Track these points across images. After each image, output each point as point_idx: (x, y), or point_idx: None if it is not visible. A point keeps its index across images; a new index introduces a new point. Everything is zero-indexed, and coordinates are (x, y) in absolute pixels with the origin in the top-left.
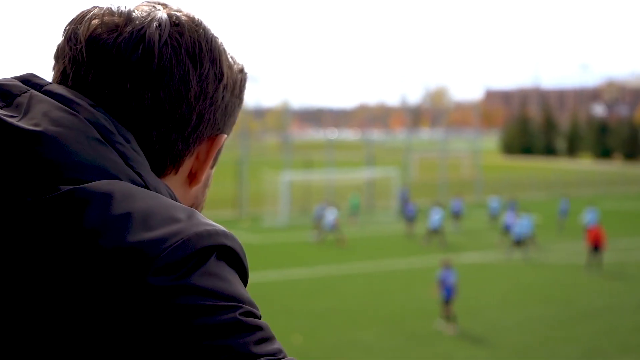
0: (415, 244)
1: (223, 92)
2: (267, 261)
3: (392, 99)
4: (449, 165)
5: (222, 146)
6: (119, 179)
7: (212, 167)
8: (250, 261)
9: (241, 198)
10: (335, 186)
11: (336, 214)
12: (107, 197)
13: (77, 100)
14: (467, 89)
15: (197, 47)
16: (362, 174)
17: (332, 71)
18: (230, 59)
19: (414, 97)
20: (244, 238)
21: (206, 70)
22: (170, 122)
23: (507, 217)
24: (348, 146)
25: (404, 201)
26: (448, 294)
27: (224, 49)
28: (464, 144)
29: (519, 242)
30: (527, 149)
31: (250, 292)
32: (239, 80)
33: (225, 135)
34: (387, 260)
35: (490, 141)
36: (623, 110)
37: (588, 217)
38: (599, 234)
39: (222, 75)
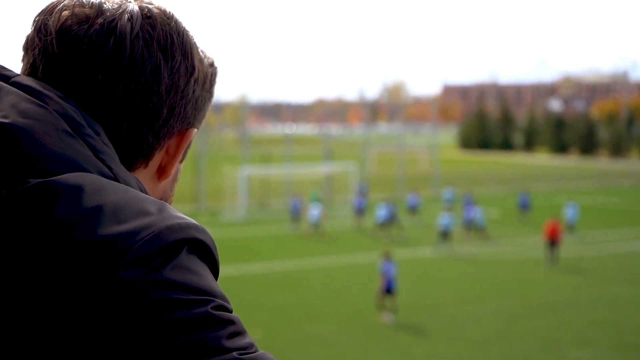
0: (373, 239)
1: (194, 85)
2: (225, 256)
3: (350, 94)
4: (407, 160)
5: (191, 140)
6: (89, 172)
7: (181, 162)
8: None
9: (199, 192)
10: (293, 181)
11: (321, 208)
12: (77, 190)
13: (46, 92)
14: (425, 84)
15: (169, 39)
16: (320, 169)
17: (290, 66)
18: (201, 53)
19: (372, 91)
20: None
21: (178, 64)
22: (141, 115)
23: (467, 212)
24: (306, 141)
25: (363, 196)
26: (389, 285)
27: (195, 42)
28: (421, 139)
29: (445, 235)
30: (484, 144)
31: None
32: (209, 75)
33: (195, 130)
34: (346, 255)
35: (448, 136)
36: (579, 106)
37: (569, 212)
38: (556, 228)
39: (194, 68)
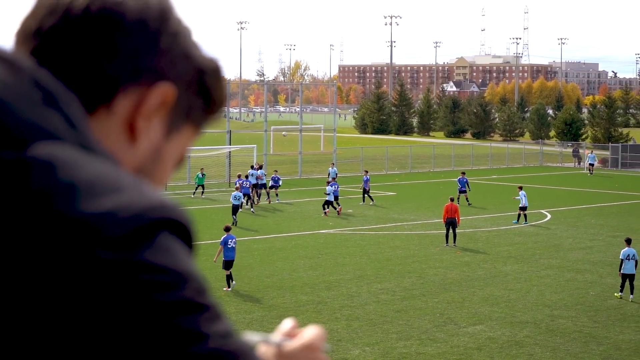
0: (277, 220)
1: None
2: None
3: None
4: (305, 142)
5: (169, 102)
6: (64, 143)
7: (167, 137)
8: None
9: None
10: (192, 161)
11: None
12: (51, 162)
13: (20, 61)
14: (323, 66)
15: None
16: (222, 150)
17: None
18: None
19: (271, 73)
20: None
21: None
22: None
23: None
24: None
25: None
26: (232, 255)
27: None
28: (320, 121)
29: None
30: (381, 128)
31: None
32: (188, 36)
33: (170, 87)
34: (245, 235)
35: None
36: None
37: (523, 200)
38: (454, 209)
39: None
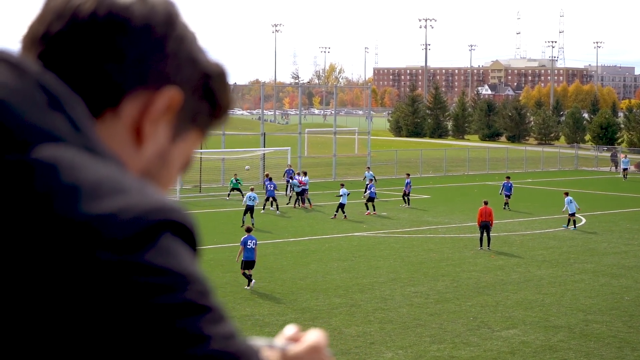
0: (312, 222)
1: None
2: None
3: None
4: (339, 144)
5: (175, 104)
6: (68, 146)
7: (173, 141)
8: None
9: None
10: (227, 164)
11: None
12: (54, 164)
13: (26, 64)
14: (357, 69)
15: None
16: (256, 152)
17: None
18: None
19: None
20: None
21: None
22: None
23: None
24: (242, 124)
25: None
26: (251, 256)
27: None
28: (354, 124)
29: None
30: (416, 130)
31: None
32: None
33: (177, 91)
34: (279, 237)
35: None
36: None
37: (570, 206)
38: (488, 212)
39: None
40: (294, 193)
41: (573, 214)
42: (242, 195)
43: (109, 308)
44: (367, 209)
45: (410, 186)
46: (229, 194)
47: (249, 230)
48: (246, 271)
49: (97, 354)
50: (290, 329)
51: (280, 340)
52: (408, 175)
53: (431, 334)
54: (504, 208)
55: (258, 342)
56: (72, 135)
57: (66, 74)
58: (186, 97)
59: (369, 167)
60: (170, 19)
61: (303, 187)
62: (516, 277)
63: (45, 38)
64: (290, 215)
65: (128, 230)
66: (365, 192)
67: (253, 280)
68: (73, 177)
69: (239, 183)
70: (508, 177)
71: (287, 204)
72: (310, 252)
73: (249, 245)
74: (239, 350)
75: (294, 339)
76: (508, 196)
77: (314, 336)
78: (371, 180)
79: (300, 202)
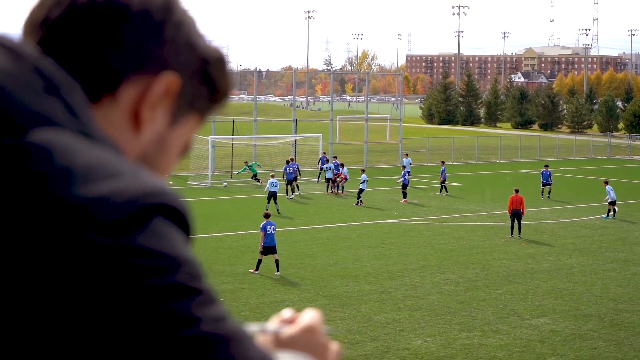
0: (342, 209)
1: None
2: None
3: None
4: (371, 131)
5: (173, 91)
6: (63, 130)
7: (171, 126)
8: None
9: None
10: (258, 150)
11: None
12: (48, 149)
13: (24, 48)
14: (390, 55)
15: None
16: (287, 138)
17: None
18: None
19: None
20: None
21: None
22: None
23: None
24: (274, 110)
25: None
26: (271, 241)
27: None
28: (386, 111)
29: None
30: (448, 118)
31: None
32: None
33: (174, 76)
34: (309, 224)
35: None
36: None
37: (611, 194)
38: (519, 200)
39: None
40: (325, 179)
41: (614, 202)
42: (258, 181)
43: (100, 289)
44: (405, 196)
45: (446, 174)
46: (258, 180)
47: (267, 216)
48: (270, 256)
49: (87, 334)
50: (286, 312)
51: (273, 323)
52: (443, 163)
53: (460, 321)
54: (546, 196)
55: (251, 327)
56: (68, 119)
57: (65, 59)
58: (185, 82)
59: (407, 154)
60: (169, 4)
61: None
62: (547, 266)
63: (45, 24)
64: (321, 202)
65: (120, 213)
66: (400, 179)
67: (278, 272)
68: (67, 161)
69: (253, 167)
70: (546, 166)
71: (317, 181)
72: (340, 238)
73: (269, 230)
74: (229, 332)
75: (289, 322)
76: (547, 184)
77: (309, 317)
78: (404, 167)
79: (332, 188)
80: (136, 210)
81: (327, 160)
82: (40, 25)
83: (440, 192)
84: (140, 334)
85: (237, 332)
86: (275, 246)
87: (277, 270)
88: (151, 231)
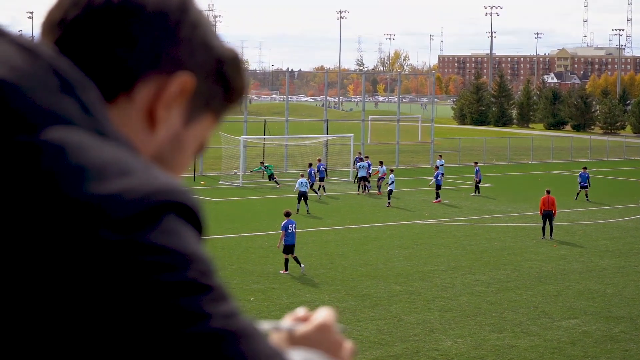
0: (374, 209)
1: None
2: (221, 222)
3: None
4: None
5: (188, 90)
6: (77, 128)
7: (186, 125)
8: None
9: (196, 158)
10: (290, 150)
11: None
12: (61, 146)
13: (41, 47)
14: (422, 56)
15: None
16: (319, 138)
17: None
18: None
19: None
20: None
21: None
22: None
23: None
24: (306, 110)
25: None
26: (292, 240)
27: None
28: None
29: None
30: (480, 118)
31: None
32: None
33: (190, 77)
34: (340, 224)
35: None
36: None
37: None
38: (551, 201)
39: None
40: (357, 178)
41: None
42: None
43: (111, 285)
44: (438, 197)
45: (480, 174)
46: (276, 181)
47: (288, 214)
48: (290, 255)
49: (98, 329)
50: (300, 310)
51: (287, 321)
52: (476, 163)
53: (491, 322)
54: (583, 198)
55: (264, 324)
56: (82, 118)
57: (82, 59)
58: (200, 82)
59: (440, 155)
60: (184, 5)
61: (381, 177)
62: (578, 267)
63: (62, 24)
64: (352, 202)
65: (132, 210)
66: (432, 179)
67: (302, 265)
68: (80, 158)
69: (268, 169)
70: (585, 168)
71: (355, 181)
72: (371, 239)
73: (290, 229)
74: (239, 328)
75: (303, 320)
76: (584, 187)
77: (322, 315)
78: (437, 167)
79: (365, 187)
80: (148, 208)
81: (361, 159)
82: (58, 26)
83: (475, 192)
84: (150, 330)
85: (248, 329)
86: (294, 245)
87: (301, 265)
88: (163, 228)
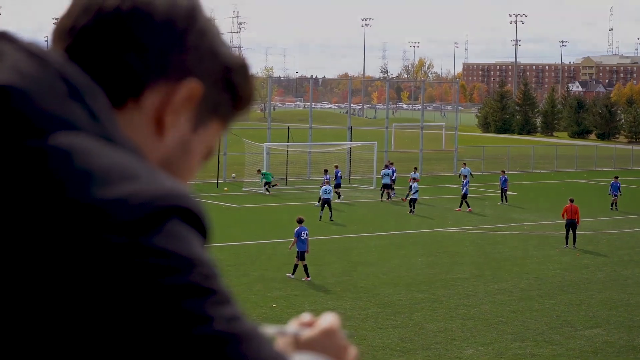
0: (393, 218)
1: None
2: (243, 228)
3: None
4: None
5: (196, 97)
6: (84, 134)
7: (194, 131)
8: (225, 228)
9: (219, 165)
10: (313, 157)
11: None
12: (68, 151)
13: (49, 53)
14: (447, 64)
15: None
16: (342, 146)
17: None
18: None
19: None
20: (222, 203)
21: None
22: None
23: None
24: (329, 117)
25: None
26: (304, 247)
27: None
28: (441, 119)
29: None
30: (504, 127)
31: (223, 259)
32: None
33: (197, 84)
34: (363, 231)
35: (469, 117)
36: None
37: None
38: (574, 210)
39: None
40: (381, 185)
41: None
42: (268, 191)
43: (115, 287)
44: (460, 206)
45: (507, 182)
46: (267, 189)
47: (300, 221)
48: (301, 262)
49: (102, 331)
50: (305, 315)
51: (292, 326)
52: (503, 172)
53: (513, 331)
54: (611, 208)
55: (269, 329)
56: (90, 124)
57: (91, 65)
58: (207, 89)
59: (464, 163)
60: (192, 13)
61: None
62: (601, 277)
63: (72, 32)
64: (375, 209)
65: (136, 214)
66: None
67: (309, 278)
68: (86, 163)
69: (268, 175)
70: (616, 177)
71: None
72: (394, 246)
73: (303, 236)
74: (242, 331)
75: (308, 324)
76: (616, 196)
77: (328, 320)
78: (465, 176)
79: (386, 196)
80: (152, 212)
81: (387, 166)
82: (68, 33)
83: (502, 201)
84: (154, 332)
85: (251, 332)
86: (304, 252)
87: (308, 276)
88: (167, 232)
